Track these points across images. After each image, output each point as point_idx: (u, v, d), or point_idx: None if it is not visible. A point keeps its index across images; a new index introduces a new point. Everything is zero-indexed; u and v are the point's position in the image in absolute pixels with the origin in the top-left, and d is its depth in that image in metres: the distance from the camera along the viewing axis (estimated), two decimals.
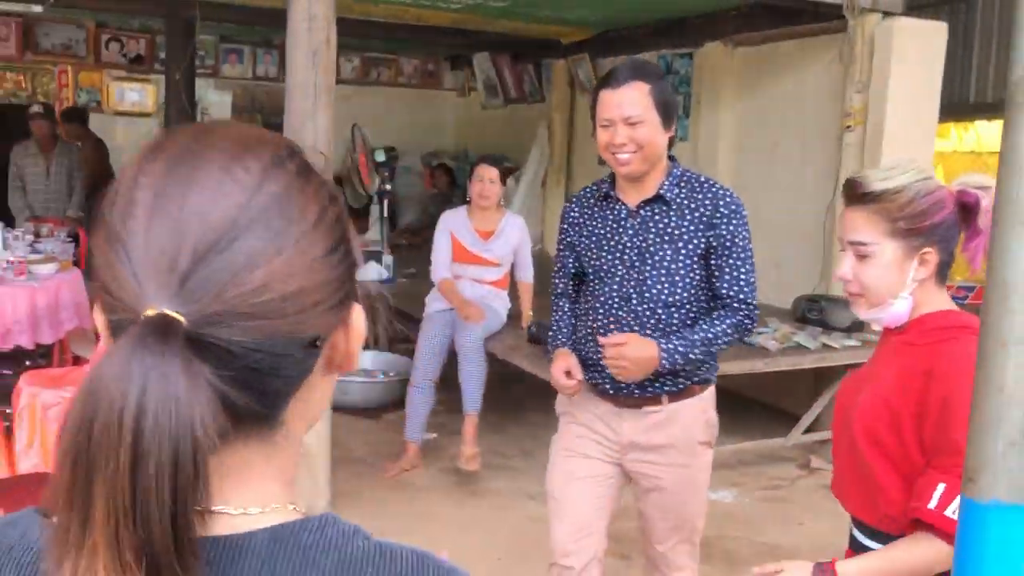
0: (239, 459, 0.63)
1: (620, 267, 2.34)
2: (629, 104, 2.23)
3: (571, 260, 2.50)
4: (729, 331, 2.30)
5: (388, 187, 6.11)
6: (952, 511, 1.45)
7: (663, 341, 2.25)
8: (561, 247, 2.56)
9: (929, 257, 1.60)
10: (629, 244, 2.33)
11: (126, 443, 0.53)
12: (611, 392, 2.37)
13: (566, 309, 2.56)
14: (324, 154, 3.77)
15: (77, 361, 4.95)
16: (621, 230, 2.35)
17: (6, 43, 8.20)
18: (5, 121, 7.96)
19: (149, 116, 8.73)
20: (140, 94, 8.79)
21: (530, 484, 4.23)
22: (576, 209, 2.50)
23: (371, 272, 5.92)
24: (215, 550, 0.60)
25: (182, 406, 0.54)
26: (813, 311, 5.08)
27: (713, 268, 2.31)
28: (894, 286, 1.61)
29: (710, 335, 2.28)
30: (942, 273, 1.64)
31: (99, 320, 0.63)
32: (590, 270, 2.42)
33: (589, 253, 2.42)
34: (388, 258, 5.96)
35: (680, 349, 2.25)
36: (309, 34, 3.73)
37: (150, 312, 0.56)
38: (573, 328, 2.52)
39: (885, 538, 1.61)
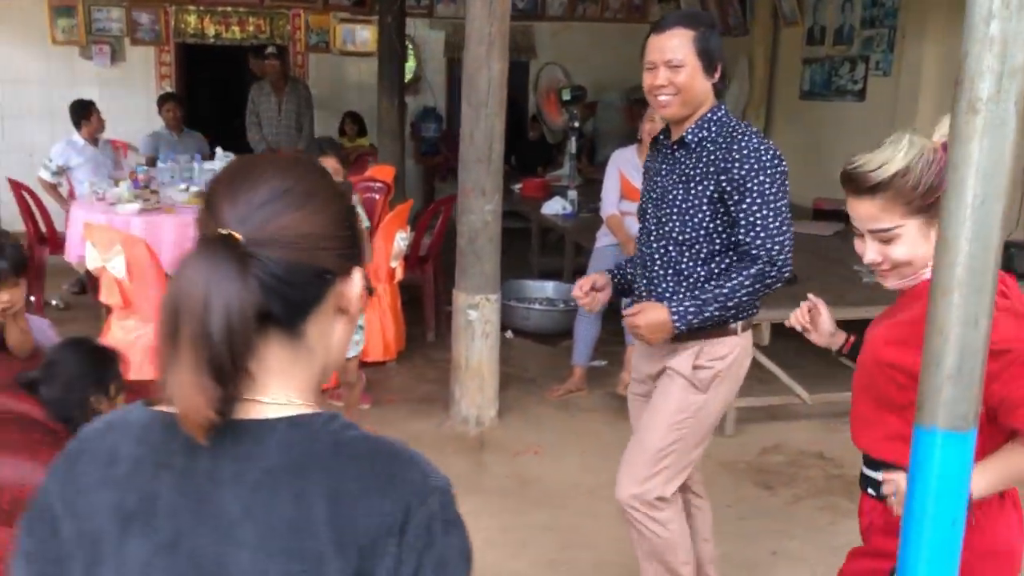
0: (270, 360, 0.92)
1: (650, 205, 2.52)
2: (671, 49, 2.33)
3: None
4: (747, 283, 2.33)
5: (575, 124, 6.34)
6: None
7: (673, 303, 2.36)
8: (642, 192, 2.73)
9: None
10: (659, 183, 2.49)
11: (200, 302, 0.85)
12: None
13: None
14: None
15: None
16: (658, 171, 2.52)
17: None
18: (247, 63, 8.91)
19: (370, 56, 9.43)
20: (362, 35, 9.49)
21: None
22: (649, 154, 2.69)
23: (555, 206, 6.24)
24: (245, 427, 0.90)
25: (235, 288, 0.85)
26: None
27: (732, 214, 2.35)
28: (926, 256, 1.64)
29: (724, 291, 2.34)
30: None
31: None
32: (639, 208, 2.63)
33: (642, 192, 2.63)
34: (572, 193, 6.24)
35: (691, 309, 2.35)
36: None
37: (221, 231, 0.89)
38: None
39: (870, 462, 1.77)
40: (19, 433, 2.15)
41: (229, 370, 0.85)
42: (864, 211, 1.68)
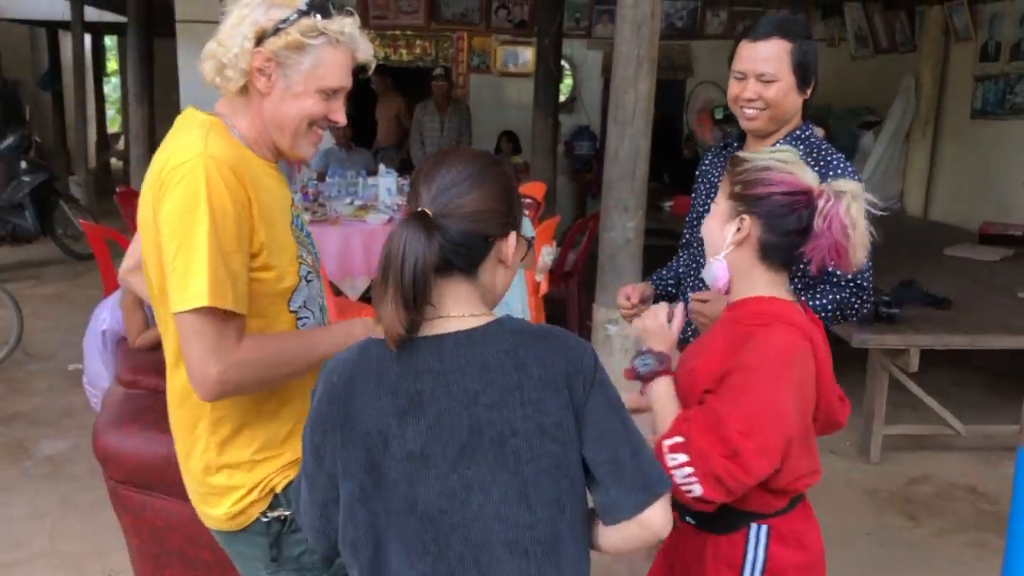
0: (455, 288, 1.35)
1: (708, 211, 2.40)
2: (764, 60, 2.18)
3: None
4: (829, 307, 2.15)
5: (730, 138, 6.33)
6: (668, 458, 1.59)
7: None
8: (692, 195, 2.61)
9: (745, 223, 1.65)
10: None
11: (400, 256, 1.26)
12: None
13: (678, 258, 2.65)
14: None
15: None
16: (720, 177, 2.28)
17: (416, 15, 9.54)
18: (414, 82, 9.34)
19: (529, 76, 9.68)
20: (523, 56, 9.76)
21: None
22: (708, 158, 2.57)
23: None
24: (460, 337, 1.32)
25: (421, 245, 1.26)
26: None
27: None
28: (717, 243, 1.73)
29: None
30: (770, 254, 1.66)
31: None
32: (696, 215, 2.50)
33: (696, 200, 2.50)
34: None
35: None
36: (635, 8, 4.12)
37: (421, 208, 1.31)
38: (678, 278, 2.58)
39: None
40: None
41: (411, 304, 1.26)
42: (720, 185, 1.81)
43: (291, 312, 1.66)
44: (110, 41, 17.00)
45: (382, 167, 6.62)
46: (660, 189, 8.15)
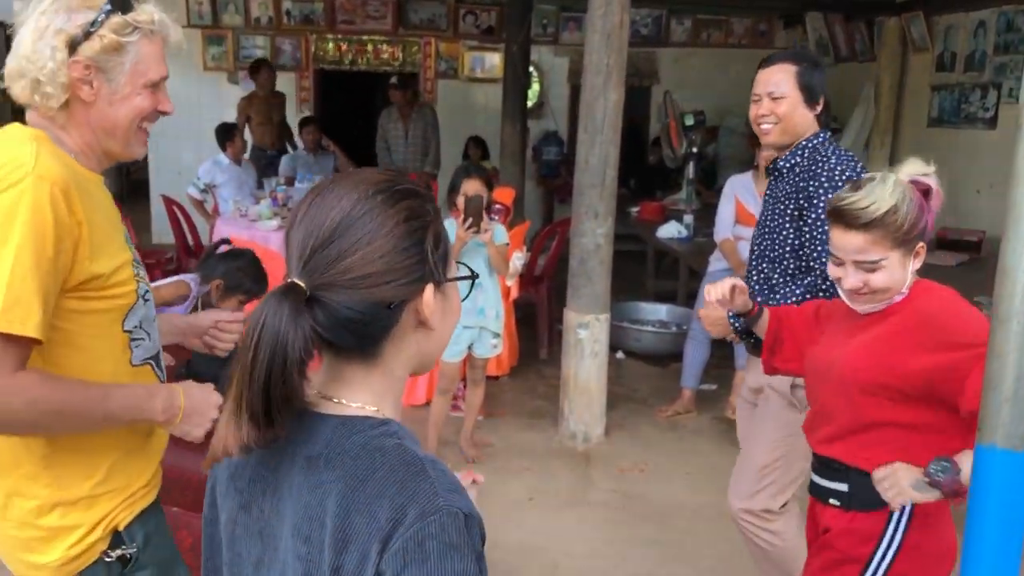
0: (348, 375, 1.01)
1: (758, 228, 2.70)
2: (774, 82, 2.54)
3: None
4: (798, 291, 2.50)
5: (695, 150, 6.43)
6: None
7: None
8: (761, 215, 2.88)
9: (921, 250, 1.85)
10: (766, 207, 2.66)
11: (251, 346, 0.92)
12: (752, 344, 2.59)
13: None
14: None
15: None
16: (767, 195, 2.68)
17: (383, 20, 9.58)
18: (380, 89, 9.33)
19: (497, 82, 9.74)
20: (490, 62, 9.82)
21: None
22: (770, 186, 2.82)
23: (670, 230, 6.33)
24: (314, 420, 1.00)
25: (282, 332, 0.92)
26: None
27: (804, 237, 2.49)
28: (901, 282, 1.87)
29: (776, 301, 2.52)
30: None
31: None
32: (758, 231, 2.75)
33: (766, 216, 2.74)
34: (688, 217, 6.31)
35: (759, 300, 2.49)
36: (604, 19, 4.21)
37: (290, 280, 0.97)
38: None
39: (830, 473, 1.95)
40: None
41: (259, 418, 0.93)
42: (853, 244, 1.85)
43: (124, 331, 1.54)
44: None
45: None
46: (627, 195, 8.25)
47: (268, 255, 4.83)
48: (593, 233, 4.39)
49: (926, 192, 1.86)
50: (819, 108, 2.57)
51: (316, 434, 0.99)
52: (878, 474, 1.80)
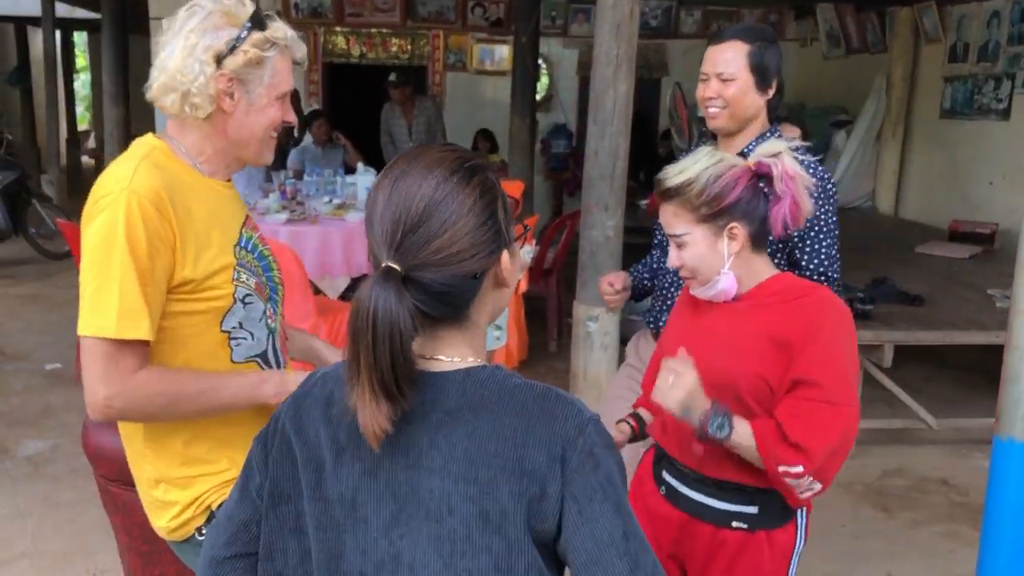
0: (444, 335, 1.12)
1: None
2: (724, 62, 2.32)
3: None
4: None
5: (705, 141, 6.41)
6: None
7: None
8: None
9: (736, 232, 1.71)
10: None
11: (369, 330, 1.01)
12: None
13: (651, 255, 2.78)
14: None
15: None
16: None
17: (392, 12, 9.56)
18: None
19: (505, 74, 9.71)
20: (499, 54, 9.79)
21: None
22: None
23: None
24: (431, 378, 1.10)
25: (393, 314, 1.01)
26: None
27: (793, 239, 2.30)
28: (715, 264, 1.75)
29: None
30: (758, 241, 1.74)
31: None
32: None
33: None
34: None
35: None
36: (614, 9, 4.17)
37: (383, 263, 1.06)
38: (653, 272, 2.71)
39: (734, 496, 1.80)
40: None
41: (394, 392, 1.03)
42: (663, 215, 1.78)
43: (223, 332, 1.66)
44: (79, 37, 16.81)
45: (360, 165, 6.63)
46: (636, 187, 8.21)
47: (277, 248, 4.83)
48: (603, 225, 4.36)
49: (766, 173, 1.72)
50: (771, 93, 2.36)
51: (444, 390, 1.09)
52: (664, 369, 1.72)
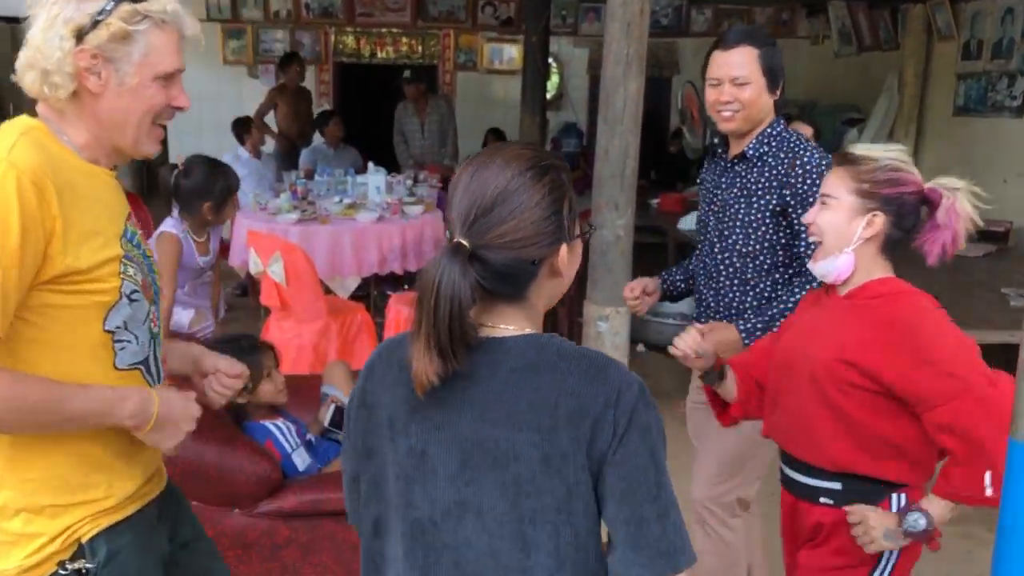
0: (505, 310, 1.26)
1: (711, 217, 2.56)
2: (737, 65, 2.39)
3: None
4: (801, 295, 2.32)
5: (716, 140, 6.38)
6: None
7: (741, 322, 2.39)
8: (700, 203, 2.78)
9: (877, 220, 1.77)
10: (719, 196, 2.52)
11: (433, 295, 1.16)
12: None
13: (691, 258, 2.83)
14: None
15: None
16: (718, 184, 2.56)
17: (402, 12, 9.57)
18: (399, 81, 9.29)
19: (516, 73, 9.70)
20: (509, 53, 9.79)
21: None
22: (705, 162, 2.73)
23: (691, 221, 6.28)
24: (495, 343, 1.25)
25: (456, 284, 1.16)
26: None
27: (795, 227, 2.36)
28: (842, 238, 1.82)
29: (790, 305, 2.34)
30: (890, 247, 1.80)
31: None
32: (698, 219, 2.68)
33: (701, 204, 2.67)
34: None
35: (759, 326, 2.37)
36: (624, 7, 4.16)
37: (454, 239, 1.20)
38: (687, 275, 2.77)
39: (819, 474, 1.88)
40: None
41: (448, 352, 1.17)
42: (828, 178, 1.85)
43: (105, 331, 1.47)
44: None
45: (371, 165, 6.63)
46: (647, 186, 8.20)
47: (287, 248, 4.84)
48: (613, 225, 4.34)
49: (934, 199, 1.80)
50: (778, 93, 2.45)
51: (508, 352, 1.24)
52: (851, 519, 1.83)
